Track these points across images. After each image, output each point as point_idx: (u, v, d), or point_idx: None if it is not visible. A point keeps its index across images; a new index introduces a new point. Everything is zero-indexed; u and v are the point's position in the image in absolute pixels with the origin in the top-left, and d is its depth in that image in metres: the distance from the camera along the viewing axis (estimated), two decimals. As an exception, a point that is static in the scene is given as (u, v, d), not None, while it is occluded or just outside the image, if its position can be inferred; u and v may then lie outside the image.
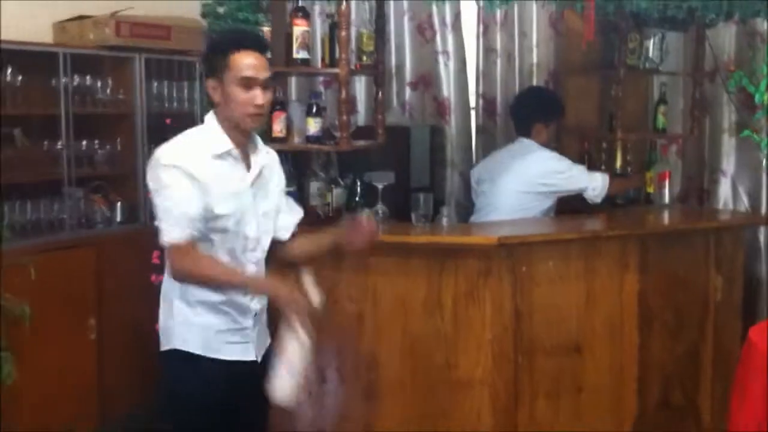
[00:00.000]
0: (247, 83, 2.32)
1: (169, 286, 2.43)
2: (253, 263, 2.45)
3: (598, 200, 3.80)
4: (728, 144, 4.36)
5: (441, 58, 4.52)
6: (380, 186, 3.45)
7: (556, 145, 4.12)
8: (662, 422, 3.56)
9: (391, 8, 4.27)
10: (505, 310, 3.20)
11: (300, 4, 3.25)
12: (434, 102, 4.55)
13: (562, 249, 3.31)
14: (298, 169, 3.44)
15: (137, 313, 3.20)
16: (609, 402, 3.44)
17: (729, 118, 4.33)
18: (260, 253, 2.48)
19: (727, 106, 4.31)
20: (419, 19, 4.52)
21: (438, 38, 4.52)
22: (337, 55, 3.27)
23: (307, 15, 3.24)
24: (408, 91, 4.57)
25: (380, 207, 3.43)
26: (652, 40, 3.94)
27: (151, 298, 2.56)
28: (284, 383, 2.29)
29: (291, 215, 2.59)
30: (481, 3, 3.84)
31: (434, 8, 4.45)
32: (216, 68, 2.33)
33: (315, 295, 2.35)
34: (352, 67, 3.38)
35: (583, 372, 3.38)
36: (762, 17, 3.76)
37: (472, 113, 4.62)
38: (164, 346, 2.45)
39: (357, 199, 3.32)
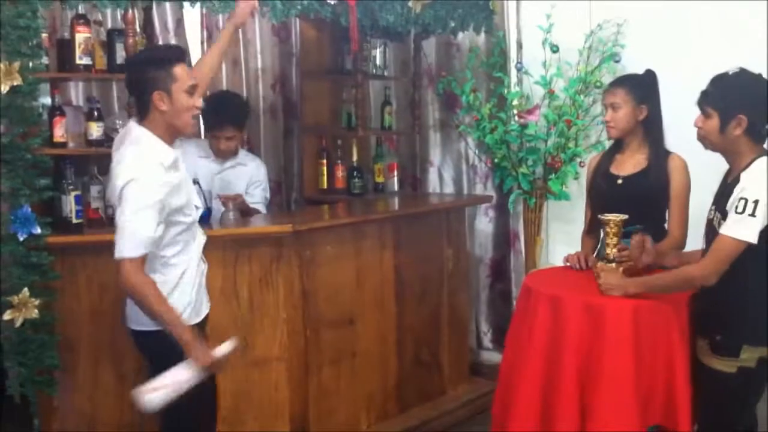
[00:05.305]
0: (192, 90, 2.69)
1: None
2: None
3: None
4: (434, 138, 4.98)
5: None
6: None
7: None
8: (416, 376, 4.16)
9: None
10: (295, 291, 3.55)
11: (80, 11, 3.30)
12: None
13: (337, 233, 3.73)
14: (78, 174, 3.46)
15: None
16: (377, 363, 3.96)
17: (433, 116, 4.99)
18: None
19: (431, 106, 4.97)
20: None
21: (161, 43, 4.57)
22: (117, 60, 3.39)
23: (88, 22, 3.31)
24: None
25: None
26: (378, 50, 4.50)
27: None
28: (159, 395, 2.56)
29: None
30: (204, 9, 4.07)
31: (154, 13, 4.52)
32: (161, 80, 2.64)
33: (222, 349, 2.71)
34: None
35: (357, 340, 3.85)
36: (468, 30, 4.45)
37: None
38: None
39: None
